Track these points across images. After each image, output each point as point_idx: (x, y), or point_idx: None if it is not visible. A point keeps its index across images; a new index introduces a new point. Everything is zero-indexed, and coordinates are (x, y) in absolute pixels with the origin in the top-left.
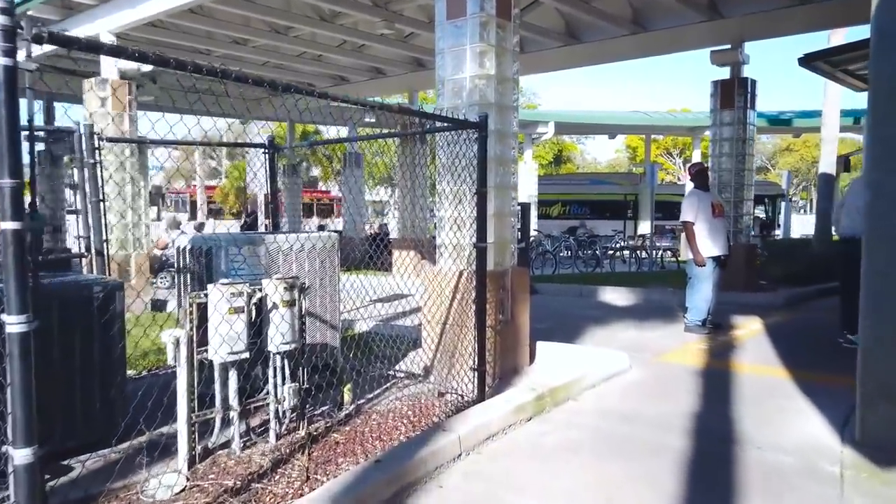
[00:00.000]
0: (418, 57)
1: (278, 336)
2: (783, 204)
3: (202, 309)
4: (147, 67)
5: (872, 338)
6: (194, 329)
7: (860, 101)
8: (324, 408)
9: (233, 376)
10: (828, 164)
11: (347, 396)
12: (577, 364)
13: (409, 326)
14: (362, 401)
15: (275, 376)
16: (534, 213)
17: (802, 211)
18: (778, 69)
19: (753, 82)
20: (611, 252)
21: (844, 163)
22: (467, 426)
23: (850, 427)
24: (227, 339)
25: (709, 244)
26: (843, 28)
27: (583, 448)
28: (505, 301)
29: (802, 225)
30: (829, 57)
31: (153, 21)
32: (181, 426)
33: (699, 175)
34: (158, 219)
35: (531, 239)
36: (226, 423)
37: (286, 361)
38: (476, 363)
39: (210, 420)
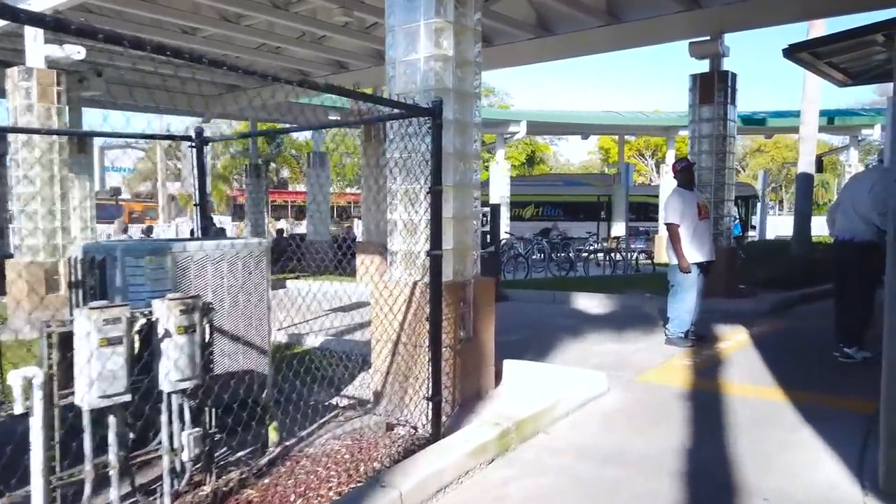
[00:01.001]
0: (382, 49)
1: (174, 371)
2: (758, 205)
3: (68, 340)
4: (80, 55)
5: None
6: (55, 366)
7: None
8: (244, 452)
9: (112, 424)
10: (807, 164)
11: (274, 436)
12: (550, 387)
13: (366, 341)
14: (294, 440)
15: (170, 422)
16: (506, 214)
17: (772, 212)
18: (749, 70)
19: (734, 76)
20: (585, 255)
21: (817, 163)
22: (414, 477)
23: (870, 469)
24: (98, 379)
25: (694, 249)
26: (823, 19)
27: (555, 500)
28: (466, 316)
29: (776, 226)
30: (815, 48)
31: (90, 6)
32: (36, 493)
33: (685, 172)
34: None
35: (502, 242)
36: (105, 482)
37: (186, 401)
38: (430, 391)
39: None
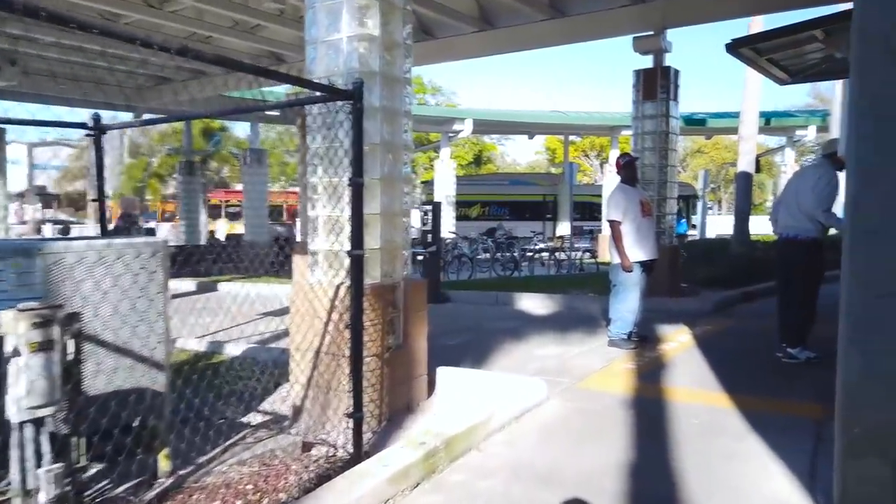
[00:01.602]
0: None
1: (25, 397)
2: (699, 204)
3: None
4: None
5: (861, 371)
6: None
7: (770, 103)
8: (128, 486)
9: None
10: (746, 163)
11: (165, 465)
12: (486, 397)
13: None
14: (191, 468)
15: (22, 458)
16: (452, 213)
17: (711, 212)
18: (687, 72)
19: (676, 72)
20: (529, 254)
21: (756, 163)
22: None
23: (823, 481)
24: None
25: (636, 247)
26: (762, 16)
27: None
28: (396, 322)
29: (715, 225)
30: (756, 44)
31: None
32: None
33: (628, 167)
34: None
35: (447, 241)
36: None
37: (44, 431)
38: (352, 407)
39: None
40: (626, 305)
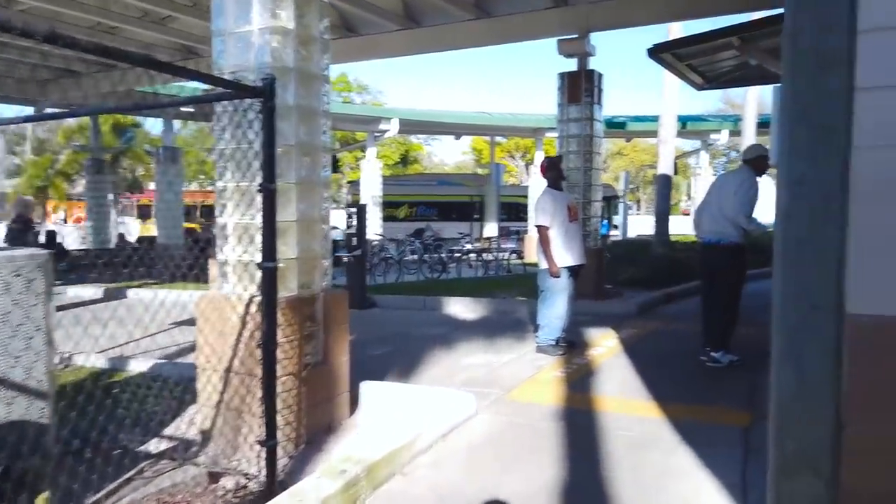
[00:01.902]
0: None
1: None
2: (620, 205)
3: None
4: None
5: (795, 386)
6: None
7: (685, 107)
8: None
9: None
10: (666, 165)
11: None
12: (412, 413)
13: None
14: None
15: None
16: (378, 215)
17: (630, 212)
18: (608, 75)
19: (600, 76)
20: (458, 255)
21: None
22: None
23: (755, 498)
24: None
25: (564, 252)
26: (681, 23)
27: None
28: (316, 336)
29: (635, 226)
30: (677, 49)
31: None
32: None
33: (553, 170)
34: None
35: (374, 243)
36: None
37: None
38: (265, 433)
39: None
40: (555, 311)
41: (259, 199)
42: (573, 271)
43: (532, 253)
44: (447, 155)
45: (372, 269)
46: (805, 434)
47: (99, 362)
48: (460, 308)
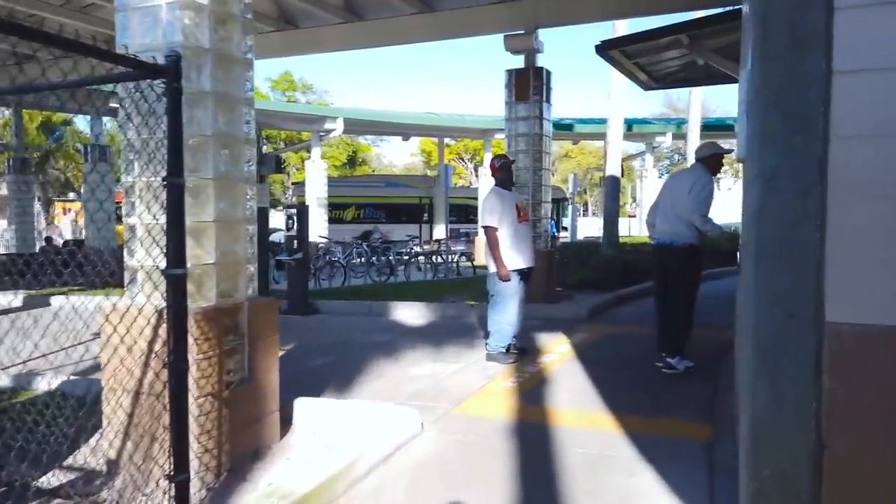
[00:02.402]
0: None
1: None
2: (569, 207)
3: None
4: None
5: (771, 405)
6: None
7: (630, 111)
8: None
9: None
10: (614, 167)
11: None
12: (352, 433)
13: None
14: None
15: None
16: (324, 216)
17: (578, 214)
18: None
19: (549, 73)
20: (406, 258)
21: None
22: None
23: None
24: None
25: (514, 255)
26: (627, 20)
27: None
28: (239, 351)
29: (583, 227)
30: (625, 46)
31: None
32: None
33: (503, 170)
34: None
35: (319, 246)
36: None
37: None
38: (172, 468)
39: None
40: (505, 317)
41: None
42: (523, 274)
43: (482, 255)
44: (396, 157)
45: (317, 272)
46: (782, 457)
47: (2, 380)
48: (408, 313)
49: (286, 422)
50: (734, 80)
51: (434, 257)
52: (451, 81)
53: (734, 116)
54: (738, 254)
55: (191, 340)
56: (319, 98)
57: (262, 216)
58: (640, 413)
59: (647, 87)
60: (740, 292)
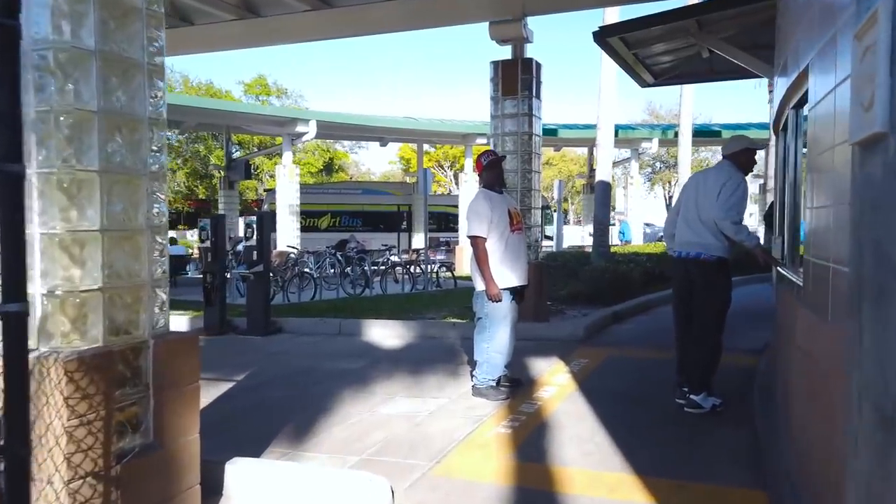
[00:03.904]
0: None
1: None
2: (555, 215)
3: None
4: None
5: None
6: None
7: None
8: None
9: None
10: (604, 171)
11: None
12: None
13: None
14: None
15: None
16: (296, 225)
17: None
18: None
19: (539, 65)
20: (383, 268)
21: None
22: None
23: None
24: None
25: (506, 270)
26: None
27: None
28: (142, 407)
29: (567, 236)
30: (627, 32)
31: None
32: None
33: (492, 168)
34: None
35: (290, 256)
36: None
37: None
38: None
39: None
40: (496, 344)
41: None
42: (516, 293)
43: (463, 265)
44: (374, 164)
45: (285, 286)
46: None
47: None
48: (383, 333)
49: (214, 491)
50: (738, 76)
51: (412, 268)
52: (432, 88)
53: (720, 123)
54: (775, 270)
55: (59, 400)
56: (294, 103)
57: (219, 224)
58: (670, 474)
59: (646, 84)
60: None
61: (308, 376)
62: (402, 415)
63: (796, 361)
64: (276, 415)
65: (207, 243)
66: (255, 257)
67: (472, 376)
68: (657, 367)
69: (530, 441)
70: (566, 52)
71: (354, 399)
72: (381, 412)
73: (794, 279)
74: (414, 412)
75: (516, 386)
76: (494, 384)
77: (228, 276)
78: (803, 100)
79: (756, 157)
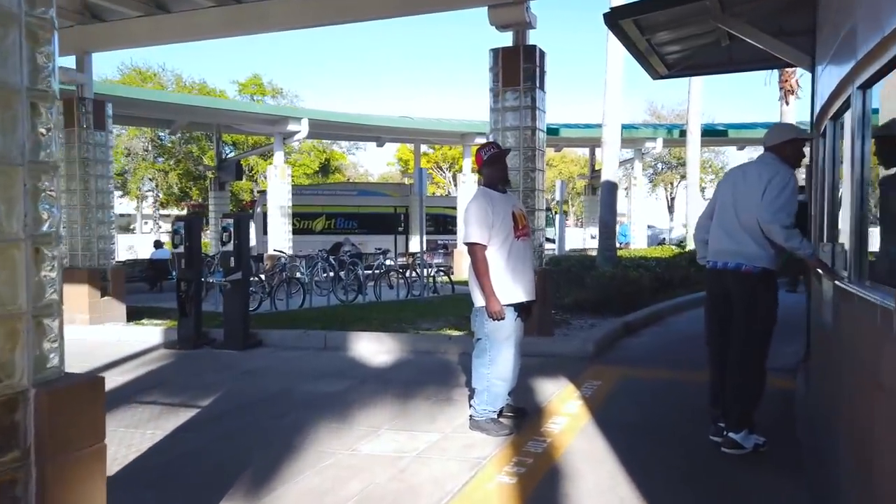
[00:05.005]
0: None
1: None
2: (556, 217)
3: None
4: None
5: None
6: None
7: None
8: None
9: None
10: (611, 171)
11: None
12: None
13: None
14: None
15: None
16: (287, 227)
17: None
18: None
19: (542, 54)
20: (378, 272)
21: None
22: None
23: None
24: None
25: (510, 283)
26: None
27: None
28: (21, 482)
29: (567, 239)
30: (641, 15)
31: None
32: None
33: (493, 163)
34: None
35: (281, 261)
36: None
37: None
38: None
39: None
40: (497, 370)
41: None
42: (522, 309)
43: (462, 268)
44: (373, 165)
45: (272, 292)
46: None
47: None
48: (372, 348)
49: None
50: (760, 66)
51: (408, 272)
52: (432, 90)
53: (724, 122)
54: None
55: None
56: (290, 103)
57: (194, 226)
58: None
59: (657, 76)
60: None
61: (282, 402)
62: (386, 456)
63: (882, 407)
64: (238, 454)
65: (181, 248)
66: (232, 263)
67: (469, 405)
68: (680, 391)
69: (540, 495)
70: (566, 51)
71: (332, 433)
72: (362, 451)
73: (875, 299)
74: (400, 452)
75: (521, 416)
76: (496, 416)
77: (213, 281)
78: (882, 73)
79: (804, 149)
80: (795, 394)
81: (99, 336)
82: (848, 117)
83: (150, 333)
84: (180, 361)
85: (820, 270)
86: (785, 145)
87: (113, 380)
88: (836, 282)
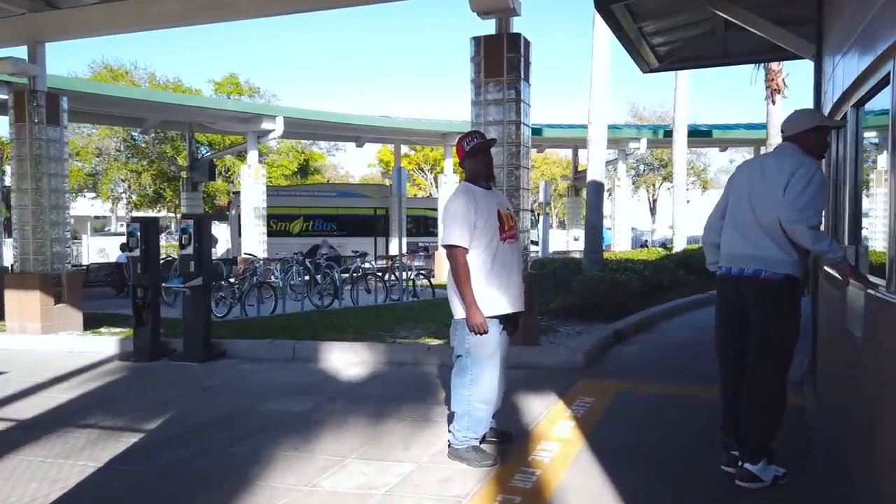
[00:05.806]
0: None
1: None
2: (540, 219)
3: None
4: None
5: None
6: None
7: None
8: None
9: None
10: (597, 170)
11: None
12: None
13: None
14: None
15: None
16: (261, 229)
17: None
18: None
19: (528, 43)
20: (355, 276)
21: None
22: None
23: None
24: None
25: (494, 292)
26: None
27: None
28: None
29: (551, 241)
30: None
31: None
32: None
33: (478, 154)
34: None
35: (254, 264)
36: None
37: None
38: None
39: None
40: (479, 392)
41: None
42: (508, 321)
43: (442, 271)
44: (353, 167)
45: (243, 298)
46: None
47: None
48: (344, 359)
49: None
50: (757, 59)
51: (386, 275)
52: (412, 91)
53: (708, 123)
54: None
55: None
56: (267, 102)
57: (150, 228)
58: None
59: (647, 69)
60: None
61: (238, 425)
62: (351, 493)
63: None
64: (179, 495)
65: (137, 251)
66: (192, 268)
67: (448, 430)
68: (680, 409)
69: None
70: (548, 51)
71: (290, 464)
72: (323, 487)
73: None
74: (367, 489)
75: (506, 441)
76: (477, 443)
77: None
78: None
79: (829, 138)
80: (806, 410)
81: (50, 346)
82: (888, 95)
83: (106, 344)
84: (133, 375)
85: (853, 280)
86: (808, 134)
87: (54, 398)
88: (870, 290)
